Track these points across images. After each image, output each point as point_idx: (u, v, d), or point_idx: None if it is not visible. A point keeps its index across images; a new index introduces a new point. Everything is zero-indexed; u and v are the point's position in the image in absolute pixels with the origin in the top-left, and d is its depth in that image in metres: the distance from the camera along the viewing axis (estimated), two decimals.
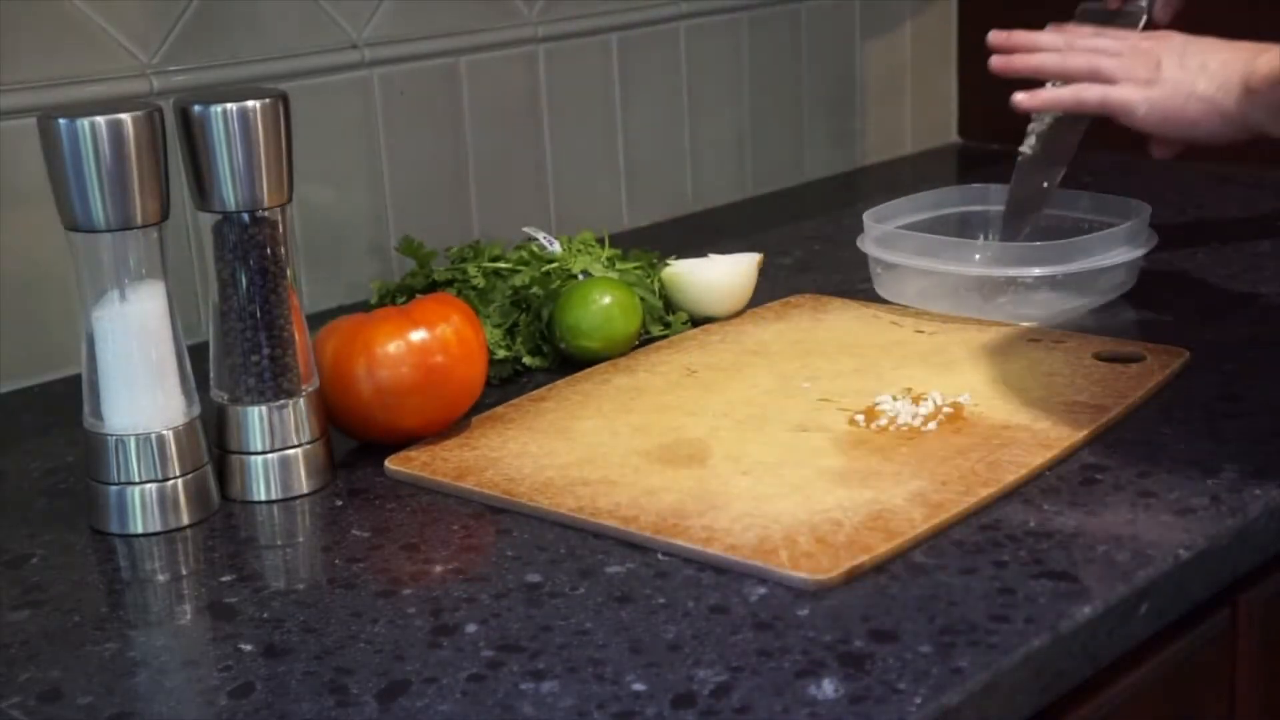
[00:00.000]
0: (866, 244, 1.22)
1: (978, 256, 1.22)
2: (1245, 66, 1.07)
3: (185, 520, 0.89)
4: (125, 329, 0.87)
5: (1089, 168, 1.64)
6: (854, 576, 0.78)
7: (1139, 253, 1.19)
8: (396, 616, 0.77)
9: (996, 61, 1.22)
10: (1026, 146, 1.28)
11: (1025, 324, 1.14)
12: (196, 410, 0.90)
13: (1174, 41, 1.13)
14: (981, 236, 1.30)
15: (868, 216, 1.23)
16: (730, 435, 0.96)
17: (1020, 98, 1.18)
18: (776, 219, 1.56)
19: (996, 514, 0.85)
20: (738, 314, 1.20)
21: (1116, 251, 1.18)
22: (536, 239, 1.21)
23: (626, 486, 0.89)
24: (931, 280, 1.21)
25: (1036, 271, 1.16)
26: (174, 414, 0.89)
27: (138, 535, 0.88)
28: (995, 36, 1.21)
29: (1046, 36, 1.20)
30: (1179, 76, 1.10)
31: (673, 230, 1.52)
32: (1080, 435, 0.93)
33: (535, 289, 1.14)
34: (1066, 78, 1.17)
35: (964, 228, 1.30)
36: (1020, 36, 1.20)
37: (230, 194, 0.89)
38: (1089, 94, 1.15)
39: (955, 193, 1.32)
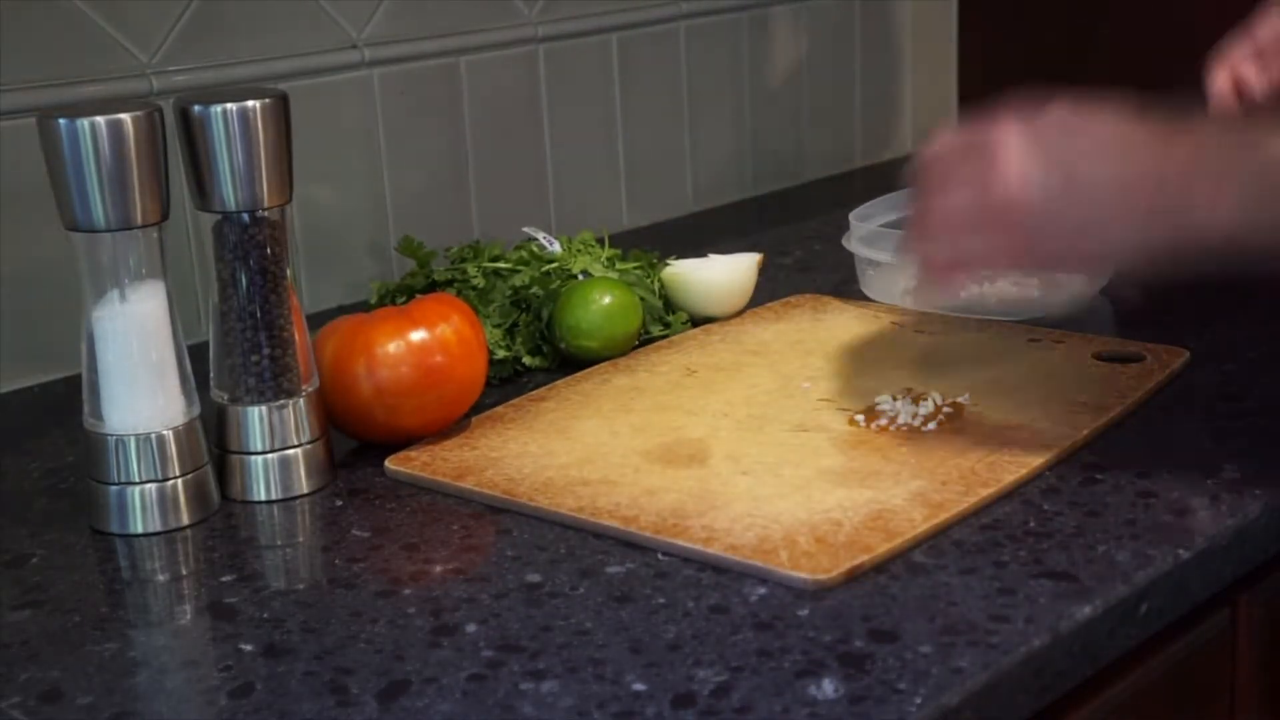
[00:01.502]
0: (852, 243, 1.23)
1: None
2: (1146, 214, 0.81)
3: (185, 520, 0.89)
4: (125, 329, 0.87)
5: None
6: (854, 576, 0.78)
7: None
8: (396, 616, 0.77)
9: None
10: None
11: (1025, 323, 1.14)
12: (196, 410, 0.90)
13: (1027, 210, 0.83)
14: None
15: (853, 216, 1.23)
16: (730, 435, 0.96)
17: (916, 295, 1.06)
18: (776, 219, 1.56)
19: (996, 514, 0.85)
20: (738, 314, 1.20)
21: None
22: (536, 239, 1.21)
23: (627, 486, 0.89)
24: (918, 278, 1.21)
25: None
26: (174, 414, 0.89)
27: (138, 535, 0.88)
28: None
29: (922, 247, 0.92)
30: (1060, 247, 0.86)
31: (673, 230, 1.52)
32: (1080, 435, 0.93)
33: (535, 289, 1.14)
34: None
35: None
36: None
37: (230, 194, 0.89)
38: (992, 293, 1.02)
39: None
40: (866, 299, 1.23)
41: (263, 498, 0.92)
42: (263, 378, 0.92)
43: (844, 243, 1.23)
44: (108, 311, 0.87)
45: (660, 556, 0.82)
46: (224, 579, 0.83)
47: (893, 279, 1.22)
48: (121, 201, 0.84)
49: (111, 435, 0.88)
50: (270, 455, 0.92)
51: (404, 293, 1.19)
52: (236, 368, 0.92)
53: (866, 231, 1.22)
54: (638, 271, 1.18)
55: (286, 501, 0.92)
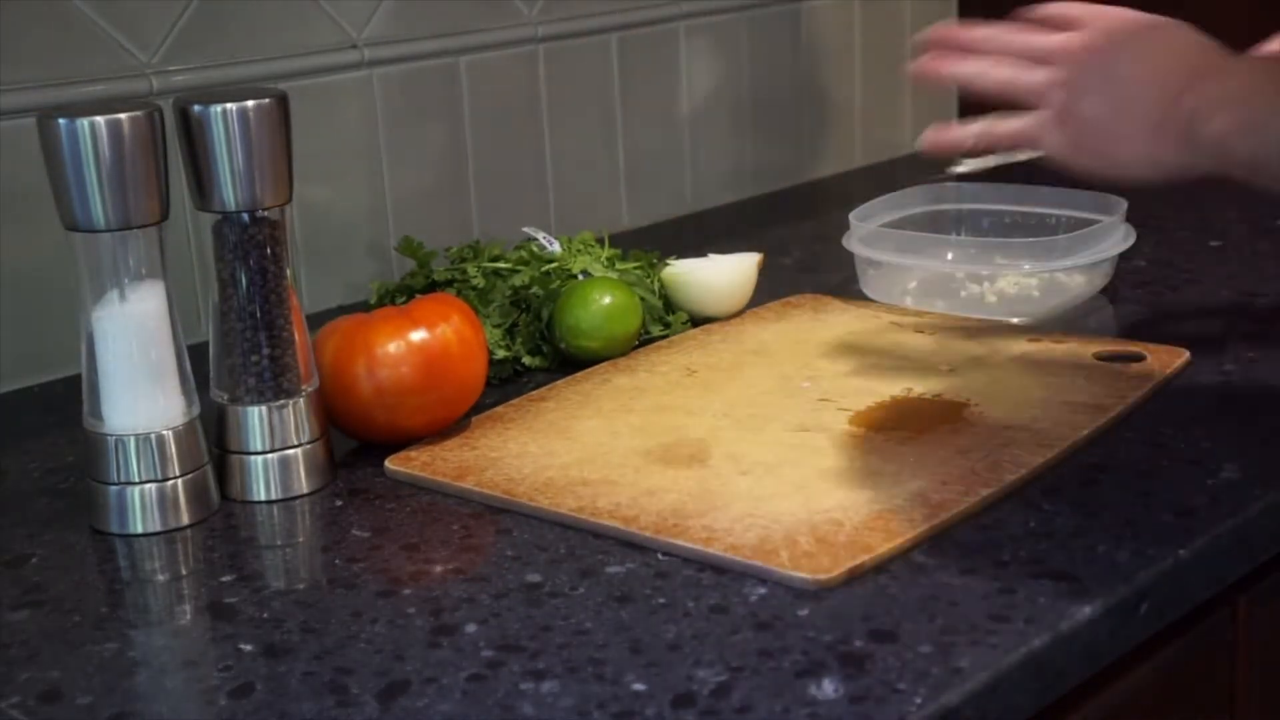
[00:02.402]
0: (852, 243, 1.23)
1: (950, 255, 1.23)
2: (1172, 107, 0.89)
3: (185, 520, 0.89)
4: (125, 329, 0.87)
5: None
6: (854, 576, 0.78)
7: (1121, 248, 1.19)
8: (396, 616, 0.77)
9: (918, 67, 1.03)
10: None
11: (1025, 323, 1.14)
12: (196, 410, 0.90)
13: (1101, 59, 0.95)
14: (956, 233, 1.31)
15: (853, 216, 1.24)
16: (730, 435, 0.96)
17: (928, 137, 1.04)
18: (776, 219, 1.56)
19: (996, 514, 0.85)
20: (738, 314, 1.20)
21: (1101, 247, 1.18)
22: (536, 239, 1.21)
23: (627, 486, 0.89)
24: (918, 277, 1.21)
25: (1026, 267, 1.18)
26: (174, 414, 0.89)
27: (138, 535, 0.88)
28: (935, 33, 1.03)
29: (983, 34, 1.02)
30: (1098, 112, 0.94)
31: (673, 230, 1.52)
32: (1080, 435, 0.93)
33: (535, 289, 1.14)
34: (985, 91, 1.01)
35: (956, 225, 1.32)
36: (959, 34, 1.03)
37: (230, 194, 0.89)
38: (1000, 130, 1.00)
39: (951, 189, 1.33)
40: (867, 299, 1.23)
41: (263, 498, 0.92)
42: (263, 378, 0.92)
43: (844, 243, 1.23)
44: (107, 311, 0.87)
45: (660, 556, 0.82)
46: (224, 579, 0.83)
47: (893, 279, 1.22)
48: (121, 201, 0.84)
49: (111, 435, 0.88)
50: (270, 455, 0.92)
51: (404, 293, 1.19)
52: (236, 368, 0.92)
53: (866, 232, 1.22)
54: (638, 271, 1.18)
55: (286, 501, 0.92)
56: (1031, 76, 0.97)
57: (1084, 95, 0.94)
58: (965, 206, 1.32)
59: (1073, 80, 0.95)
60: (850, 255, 1.24)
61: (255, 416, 0.92)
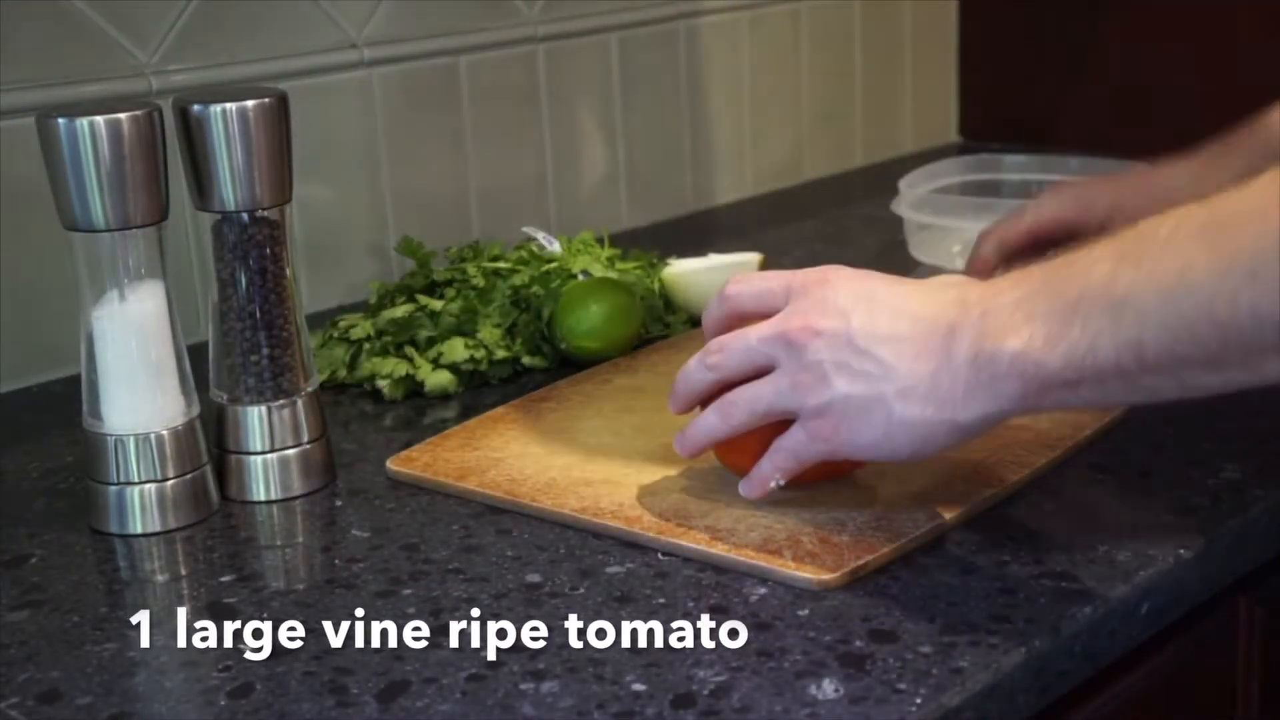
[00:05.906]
0: (901, 208, 1.32)
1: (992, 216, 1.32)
2: (953, 353, 0.73)
3: (185, 520, 0.89)
4: (125, 329, 0.87)
5: (1090, 171, 1.64)
6: (856, 577, 0.78)
7: None
8: (396, 616, 0.77)
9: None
10: None
11: None
12: (196, 410, 0.90)
13: (838, 324, 0.77)
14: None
15: (902, 183, 1.33)
16: None
17: (743, 490, 0.84)
18: (776, 219, 1.56)
19: (997, 514, 0.85)
20: None
21: None
22: (536, 239, 1.21)
23: (629, 487, 0.89)
24: (961, 240, 1.30)
25: None
26: (173, 414, 0.89)
27: (137, 535, 0.88)
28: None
29: (694, 376, 0.85)
30: (861, 391, 0.76)
31: (673, 230, 1.52)
32: (1080, 435, 0.93)
33: (535, 289, 1.13)
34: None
35: (994, 191, 1.42)
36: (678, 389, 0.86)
37: (230, 194, 0.89)
38: (777, 464, 0.82)
39: (989, 159, 1.45)
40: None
41: (262, 498, 0.92)
42: (262, 378, 0.92)
43: (893, 207, 1.32)
44: (107, 311, 0.87)
45: (660, 556, 0.82)
46: (223, 579, 0.83)
47: (939, 241, 1.30)
48: (120, 201, 0.84)
49: (111, 435, 0.88)
50: (269, 455, 0.92)
51: (404, 293, 1.19)
52: (236, 368, 0.92)
53: (915, 197, 1.31)
54: (638, 271, 1.18)
55: (286, 501, 0.92)
56: (770, 390, 0.80)
57: (831, 365, 0.77)
58: (1002, 176, 1.42)
59: (814, 356, 0.78)
60: (849, 256, 1.25)
61: (255, 416, 0.92)
